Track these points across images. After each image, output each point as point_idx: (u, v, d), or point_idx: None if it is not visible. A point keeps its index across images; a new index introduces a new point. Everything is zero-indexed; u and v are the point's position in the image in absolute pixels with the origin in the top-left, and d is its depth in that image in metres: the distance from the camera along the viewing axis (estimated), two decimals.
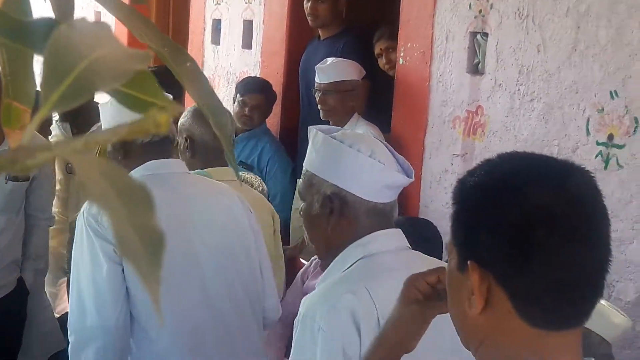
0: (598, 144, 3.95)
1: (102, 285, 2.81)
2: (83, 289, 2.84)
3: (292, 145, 6.07)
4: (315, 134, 2.41)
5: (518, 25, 4.29)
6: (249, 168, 5.44)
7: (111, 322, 2.81)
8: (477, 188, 1.36)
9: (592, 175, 1.36)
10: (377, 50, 5.67)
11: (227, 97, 6.47)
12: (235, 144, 5.73)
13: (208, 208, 3.04)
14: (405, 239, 2.44)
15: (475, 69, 4.59)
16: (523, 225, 1.29)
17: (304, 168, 2.44)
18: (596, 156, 3.95)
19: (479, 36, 4.56)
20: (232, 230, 3.06)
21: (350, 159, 2.30)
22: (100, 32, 0.54)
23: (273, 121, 6.12)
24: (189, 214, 2.97)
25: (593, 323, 3.04)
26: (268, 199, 4.83)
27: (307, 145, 5.62)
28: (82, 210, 2.91)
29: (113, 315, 2.81)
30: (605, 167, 3.91)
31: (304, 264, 4.83)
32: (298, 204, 5.73)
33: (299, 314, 2.25)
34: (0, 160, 0.47)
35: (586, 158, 3.99)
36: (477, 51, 4.57)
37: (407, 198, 4.85)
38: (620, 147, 3.85)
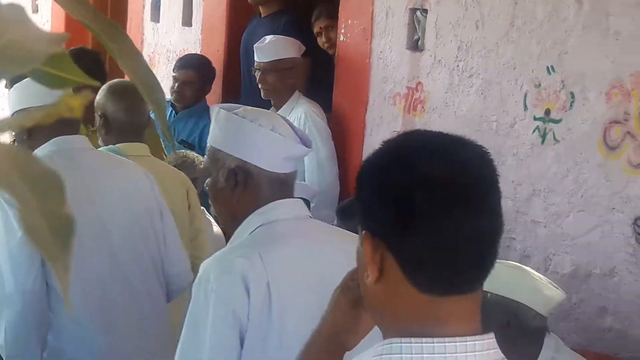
0: (535, 119, 3.98)
1: (16, 252, 2.91)
2: None
3: None
4: (217, 112, 2.49)
5: (457, 2, 4.30)
6: (190, 147, 5.38)
7: (27, 287, 2.92)
8: (371, 163, 1.42)
9: (485, 149, 1.40)
10: (316, 29, 5.62)
11: (167, 75, 6.41)
12: (177, 122, 5.70)
13: (113, 180, 3.19)
14: (306, 208, 2.58)
15: (415, 46, 4.60)
16: (406, 191, 1.33)
17: (207, 144, 2.54)
18: (533, 131, 3.99)
19: (418, 12, 4.57)
20: (137, 201, 3.19)
21: (252, 133, 2.41)
22: (14, 14, 0.53)
23: (214, 99, 6.08)
24: (95, 186, 3.10)
25: (526, 297, 3.08)
26: None
27: None
28: None
29: (29, 280, 2.92)
30: (542, 142, 3.95)
31: None
32: None
33: (197, 276, 2.36)
34: None
35: (524, 133, 4.03)
36: (417, 27, 4.58)
37: (349, 174, 4.86)
38: (556, 122, 3.89)
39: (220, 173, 2.43)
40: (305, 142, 2.48)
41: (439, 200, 1.33)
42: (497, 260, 3.40)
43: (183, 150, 4.89)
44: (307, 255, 2.41)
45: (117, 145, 3.70)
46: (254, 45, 5.26)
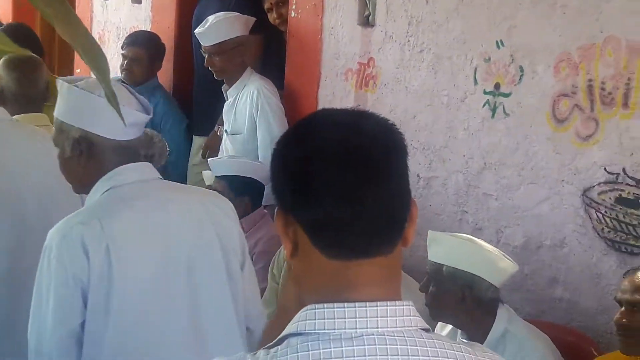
0: (485, 92, 3.99)
1: None
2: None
3: (186, 100, 6.00)
4: (60, 85, 2.60)
5: None
6: None
7: None
8: (277, 143, 1.44)
9: (390, 121, 1.43)
10: (266, 5, 5.51)
11: (117, 53, 6.34)
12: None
13: (28, 151, 3.19)
14: (155, 171, 2.69)
15: (366, 21, 4.58)
16: (303, 160, 1.36)
17: (54, 117, 2.63)
18: (484, 105, 4.00)
19: None
20: (52, 171, 3.03)
21: (92, 103, 2.51)
22: None
23: (165, 77, 6.03)
24: (10, 156, 3.12)
25: (480, 269, 3.10)
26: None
27: (203, 99, 5.56)
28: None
29: None
30: (493, 116, 3.97)
31: None
32: (196, 159, 5.72)
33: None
34: None
35: (474, 107, 4.04)
36: (368, 3, 4.56)
37: None
38: (506, 95, 3.90)
39: (66, 144, 2.55)
40: (146, 110, 2.61)
41: (333, 168, 1.35)
42: (451, 234, 3.45)
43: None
44: (150, 216, 2.55)
45: (15, 117, 3.65)
46: (195, 31, 5.20)
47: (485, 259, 3.11)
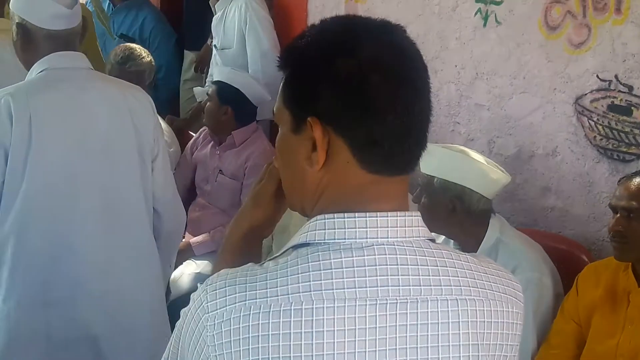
0: (477, 1, 3.94)
1: None
2: None
3: (176, 15, 5.92)
4: None
5: None
6: (131, 40, 5.27)
7: None
8: (311, 48, 1.38)
9: (406, 30, 1.41)
10: None
11: None
12: (115, 15, 5.57)
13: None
14: (87, 61, 2.98)
15: None
16: (359, 74, 1.31)
17: None
18: (475, 14, 3.96)
19: None
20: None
21: None
22: None
23: None
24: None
25: (471, 181, 3.08)
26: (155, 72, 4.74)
27: (193, 13, 5.48)
28: None
29: None
30: (485, 25, 3.92)
31: (193, 136, 4.80)
32: (188, 74, 5.68)
33: None
34: None
35: (466, 16, 3.99)
36: None
37: None
38: (498, 3, 3.85)
39: (12, 28, 2.93)
40: (72, 5, 2.92)
41: (391, 81, 1.33)
42: (443, 145, 3.42)
43: (127, 44, 4.79)
44: (72, 98, 2.87)
45: None
46: None
47: (476, 171, 3.09)
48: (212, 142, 4.57)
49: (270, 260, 1.38)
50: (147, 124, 3.02)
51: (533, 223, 3.75)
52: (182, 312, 1.45)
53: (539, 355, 3.10)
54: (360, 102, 1.32)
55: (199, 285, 1.54)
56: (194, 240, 4.38)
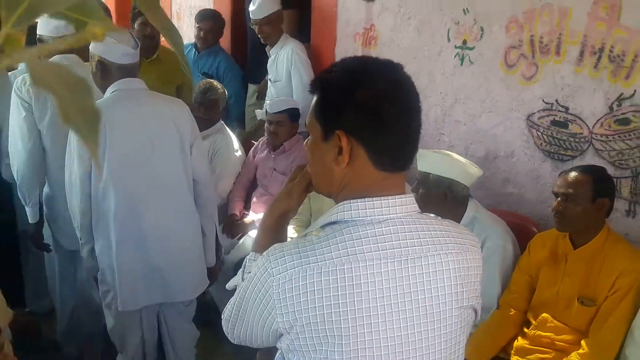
0: (456, 47, 3.92)
1: (22, 124, 3.43)
2: (14, 128, 3.46)
3: (242, 57, 5.93)
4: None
5: None
6: (210, 77, 5.30)
7: (28, 147, 3.42)
8: (339, 79, 1.38)
9: (404, 67, 1.42)
10: None
11: (190, 25, 6.25)
12: (199, 59, 5.59)
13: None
14: (143, 84, 3.03)
15: None
16: (374, 101, 1.33)
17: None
18: (455, 56, 3.93)
19: None
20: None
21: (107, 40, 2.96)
22: None
23: (225, 42, 5.95)
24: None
25: (456, 174, 3.07)
26: (227, 100, 4.75)
27: (254, 57, 5.46)
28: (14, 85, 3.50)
29: (30, 141, 3.42)
30: (461, 64, 3.90)
31: (254, 144, 4.81)
32: (251, 101, 5.69)
33: None
34: None
35: (448, 58, 3.97)
36: None
37: None
38: (471, 49, 3.83)
39: (93, 65, 2.98)
40: (135, 47, 2.99)
41: (398, 107, 1.34)
42: (433, 150, 3.40)
43: (208, 79, 4.81)
44: (132, 110, 2.94)
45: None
46: (248, 9, 5.09)
47: (460, 167, 3.08)
48: (267, 149, 4.59)
49: (308, 234, 1.39)
50: (185, 124, 3.08)
51: (497, 204, 3.73)
52: (246, 277, 1.46)
53: (503, 299, 3.09)
54: (375, 121, 1.33)
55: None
56: (256, 217, 4.40)
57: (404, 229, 1.37)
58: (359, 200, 1.37)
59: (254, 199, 4.56)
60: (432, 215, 1.47)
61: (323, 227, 1.39)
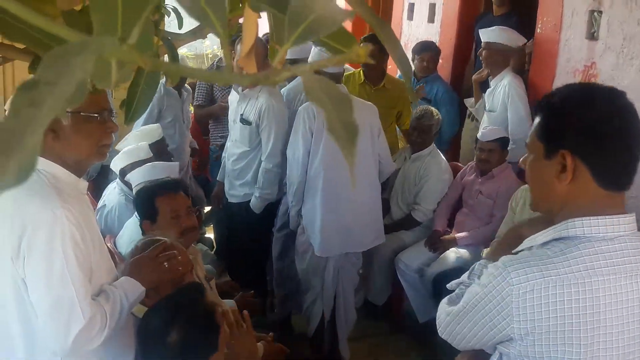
0: None
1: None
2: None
3: (459, 85, 5.92)
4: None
5: (625, 4, 4.00)
6: (429, 102, 5.35)
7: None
8: (563, 102, 1.40)
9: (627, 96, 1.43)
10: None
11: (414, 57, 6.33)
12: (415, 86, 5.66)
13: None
14: (346, 90, 4.14)
15: (592, 36, 4.33)
16: (600, 124, 1.35)
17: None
18: None
19: (595, 13, 4.24)
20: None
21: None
22: None
23: (445, 71, 5.96)
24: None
25: None
26: (440, 124, 4.75)
27: (472, 85, 5.38)
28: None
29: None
30: None
31: (462, 167, 4.78)
32: (469, 124, 5.63)
33: None
34: (259, 76, 0.49)
35: None
36: (594, 23, 4.27)
37: None
38: None
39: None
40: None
41: (621, 130, 1.35)
42: None
43: (426, 106, 4.85)
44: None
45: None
46: (480, 30, 5.04)
47: None
48: (475, 173, 4.52)
49: (535, 248, 1.39)
50: (375, 120, 4.00)
51: None
52: (477, 281, 1.46)
53: None
54: (599, 143, 1.34)
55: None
56: (458, 235, 4.40)
57: (632, 246, 1.38)
58: (590, 218, 1.36)
59: (458, 218, 4.53)
60: None
61: (547, 242, 1.40)
